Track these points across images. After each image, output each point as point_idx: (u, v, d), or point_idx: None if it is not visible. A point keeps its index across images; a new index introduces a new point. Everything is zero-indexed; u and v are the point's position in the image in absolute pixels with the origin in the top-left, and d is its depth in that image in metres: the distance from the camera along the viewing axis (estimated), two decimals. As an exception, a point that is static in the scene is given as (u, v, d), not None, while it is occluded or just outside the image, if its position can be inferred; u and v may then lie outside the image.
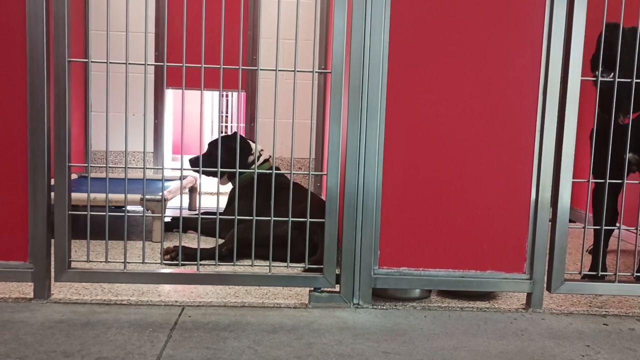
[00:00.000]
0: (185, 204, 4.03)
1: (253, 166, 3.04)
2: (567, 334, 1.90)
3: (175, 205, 3.71)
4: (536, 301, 2.09)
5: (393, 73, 2.00)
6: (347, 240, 2.05)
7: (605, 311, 2.14)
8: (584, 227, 2.11)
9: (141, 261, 2.10)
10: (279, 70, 2.02)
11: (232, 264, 2.15)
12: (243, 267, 2.15)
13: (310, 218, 2.08)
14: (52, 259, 2.00)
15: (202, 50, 1.99)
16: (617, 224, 2.41)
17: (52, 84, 1.93)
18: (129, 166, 2.04)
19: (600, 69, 2.07)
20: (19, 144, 1.95)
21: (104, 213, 2.04)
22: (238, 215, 2.13)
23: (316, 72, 2.04)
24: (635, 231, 2.18)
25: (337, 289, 2.08)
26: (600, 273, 2.33)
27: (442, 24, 1.99)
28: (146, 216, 2.37)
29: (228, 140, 3.11)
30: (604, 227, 2.24)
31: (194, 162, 3.18)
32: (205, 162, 3.10)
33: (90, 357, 1.57)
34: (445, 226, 2.06)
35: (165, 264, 2.37)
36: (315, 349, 1.69)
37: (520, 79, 2.02)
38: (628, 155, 2.23)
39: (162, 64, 2.01)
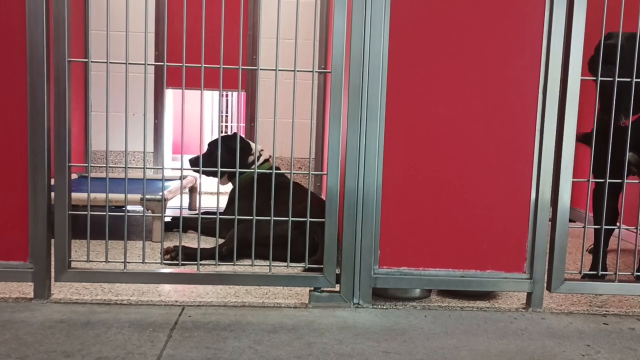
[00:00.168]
0: (185, 203, 4.03)
1: (253, 166, 3.04)
2: (567, 333, 1.90)
3: (175, 205, 3.71)
4: (536, 301, 2.09)
5: (393, 73, 2.00)
6: (347, 240, 2.05)
7: (606, 311, 2.14)
8: (584, 227, 2.11)
9: (141, 261, 2.10)
10: (279, 70, 2.02)
11: (232, 263, 2.15)
12: (243, 266, 2.15)
13: (310, 218, 2.08)
14: (52, 258, 2.00)
15: (202, 50, 1.99)
16: (617, 224, 2.42)
17: (52, 83, 1.93)
18: (129, 166, 2.04)
19: (599, 69, 2.07)
20: (19, 144, 1.95)
21: (104, 213, 2.04)
22: (238, 215, 2.13)
23: (316, 72, 2.04)
24: (635, 231, 2.18)
25: (337, 288, 2.08)
26: (601, 272, 2.33)
27: (442, 24, 1.99)
28: (146, 216, 2.37)
29: (228, 141, 3.11)
30: (604, 227, 2.24)
31: (194, 162, 3.18)
32: (206, 162, 3.10)
33: (90, 357, 1.57)
34: (445, 226, 2.06)
35: (166, 264, 2.37)
36: (316, 349, 1.69)
37: (520, 79, 2.02)
38: (628, 154, 2.23)
39: (162, 63, 2.01)
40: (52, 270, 2.00)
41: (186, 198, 4.04)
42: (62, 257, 1.98)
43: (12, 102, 1.94)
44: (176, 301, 2.05)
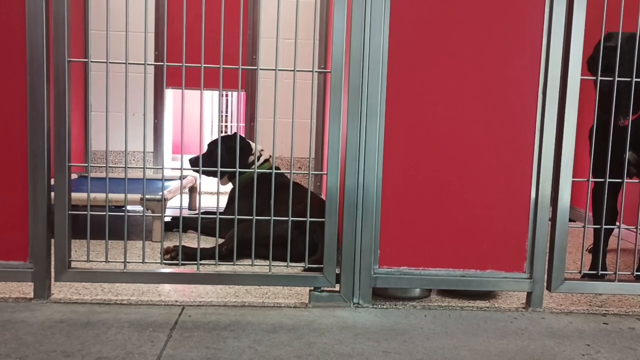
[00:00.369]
0: (185, 203, 4.03)
1: (253, 166, 3.04)
2: (567, 333, 1.90)
3: (175, 205, 3.71)
4: (536, 300, 2.10)
5: (393, 73, 2.00)
6: (347, 239, 2.05)
7: (606, 310, 2.14)
8: (583, 226, 2.11)
9: (141, 261, 2.10)
10: (278, 70, 2.02)
11: (232, 263, 2.15)
12: (243, 266, 2.15)
13: (310, 217, 2.08)
14: (52, 258, 2.00)
15: (201, 50, 1.99)
16: (617, 223, 2.41)
17: (52, 84, 1.93)
18: (129, 166, 2.04)
19: (599, 69, 2.07)
20: (19, 144, 1.95)
21: (104, 213, 2.04)
22: (238, 215, 2.13)
23: (316, 71, 2.04)
24: (635, 230, 2.18)
25: (337, 288, 2.08)
26: (600, 272, 2.33)
27: (442, 23, 1.99)
28: (146, 216, 2.37)
29: (228, 141, 3.11)
30: (604, 226, 2.24)
31: (193, 163, 3.17)
32: (206, 163, 3.10)
33: (90, 357, 1.57)
34: (445, 226, 2.06)
35: (166, 264, 2.37)
36: (316, 349, 1.69)
37: (520, 79, 2.02)
38: (627, 154, 2.23)
39: (161, 63, 2.01)
40: (52, 270, 2.00)
41: (186, 198, 4.04)
42: (62, 257, 1.98)
43: (12, 102, 1.94)
44: (176, 301, 2.05)
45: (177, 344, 1.68)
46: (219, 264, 2.17)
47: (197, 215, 2.27)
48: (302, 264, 2.18)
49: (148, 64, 1.98)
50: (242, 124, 5.11)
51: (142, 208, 2.68)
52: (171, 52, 2.93)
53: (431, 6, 1.99)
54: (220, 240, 2.57)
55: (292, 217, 2.07)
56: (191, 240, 2.99)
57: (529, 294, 2.11)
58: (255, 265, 2.09)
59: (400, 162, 2.04)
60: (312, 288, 2.08)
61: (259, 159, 3.18)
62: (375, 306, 2.08)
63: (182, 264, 2.15)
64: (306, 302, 2.08)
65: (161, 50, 4.63)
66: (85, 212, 2.03)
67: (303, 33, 4.62)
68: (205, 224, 3.03)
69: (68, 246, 1.99)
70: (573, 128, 2.02)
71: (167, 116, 4.91)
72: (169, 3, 4.23)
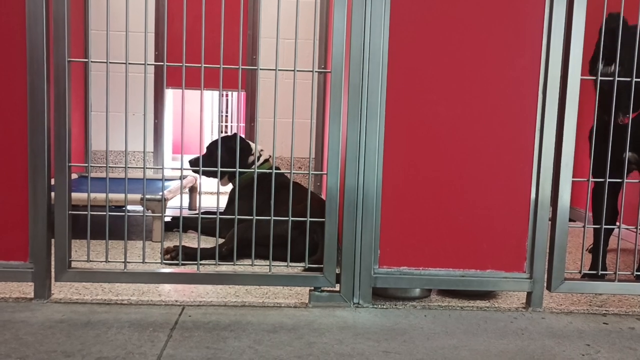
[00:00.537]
0: (186, 203, 4.03)
1: (253, 166, 3.04)
2: (567, 333, 1.90)
3: (176, 205, 3.71)
4: (536, 300, 2.10)
5: (393, 73, 2.01)
6: (347, 239, 2.05)
7: (606, 310, 2.14)
8: (583, 226, 2.11)
9: (141, 261, 2.10)
10: (278, 70, 2.02)
11: (232, 263, 2.15)
12: (243, 266, 2.15)
13: (310, 217, 2.08)
14: (53, 258, 2.00)
15: (202, 50, 1.99)
16: (617, 223, 2.42)
17: (52, 84, 1.93)
18: (129, 166, 2.04)
19: (599, 68, 2.07)
20: (19, 144, 1.95)
21: (104, 213, 2.04)
22: (238, 215, 2.13)
23: (316, 71, 2.04)
24: (635, 230, 2.18)
25: (337, 288, 2.08)
26: (601, 272, 2.33)
27: (442, 23, 1.99)
28: (146, 216, 2.37)
29: (228, 141, 3.11)
30: (604, 226, 2.24)
31: (193, 164, 3.17)
32: (206, 164, 3.10)
33: (90, 357, 1.57)
34: (445, 226, 2.06)
35: (166, 264, 2.37)
36: (316, 349, 1.69)
37: (520, 79, 2.02)
38: (628, 154, 2.23)
39: (162, 63, 2.01)
40: (53, 270, 2.00)
41: (186, 198, 4.04)
42: (62, 257, 1.98)
43: (12, 102, 1.94)
44: (176, 301, 2.05)
45: (178, 344, 1.68)
46: (219, 264, 2.17)
47: (197, 216, 2.27)
48: (302, 264, 2.18)
49: (148, 64, 1.98)
50: (242, 124, 5.11)
51: (142, 208, 2.68)
52: (171, 52, 2.93)
53: (431, 6, 1.99)
54: (221, 240, 2.57)
55: (292, 217, 2.07)
56: (191, 240, 2.99)
57: (529, 294, 2.11)
58: (255, 265, 2.09)
59: (400, 162, 2.04)
60: (312, 288, 2.08)
61: (258, 159, 3.18)
62: (375, 306, 2.08)
63: (182, 264, 2.15)
64: (306, 302, 2.08)
65: (161, 51, 4.63)
66: (86, 212, 2.03)
67: (303, 33, 4.62)
68: (205, 224, 3.03)
69: (68, 246, 1.99)
70: (573, 128, 2.02)
71: (167, 116, 4.91)
72: (169, 3, 4.23)
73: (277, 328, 1.84)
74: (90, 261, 2.09)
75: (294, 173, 2.05)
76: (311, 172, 2.02)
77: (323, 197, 2.65)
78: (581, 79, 2.00)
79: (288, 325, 1.86)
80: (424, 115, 2.03)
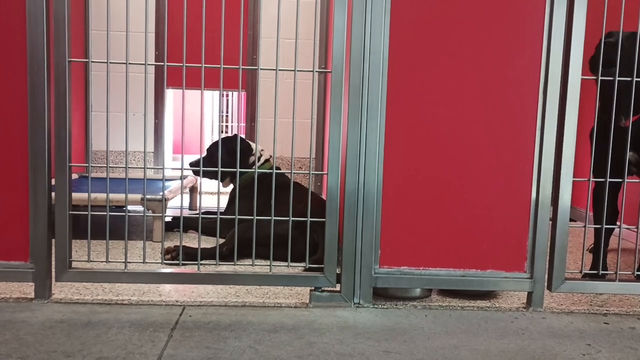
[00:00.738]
0: (186, 203, 4.03)
1: (254, 166, 3.04)
2: (567, 332, 1.90)
3: (176, 205, 3.71)
4: (537, 300, 2.09)
5: (393, 73, 2.01)
6: (347, 239, 2.05)
7: (606, 310, 2.14)
8: (584, 226, 2.11)
9: (142, 261, 2.10)
10: (279, 70, 2.02)
11: (232, 263, 2.15)
12: (244, 266, 2.15)
13: (310, 217, 2.08)
14: (53, 258, 2.00)
15: (202, 50, 1.99)
16: (618, 223, 2.41)
17: (52, 84, 1.93)
18: (129, 166, 2.04)
19: (600, 69, 2.07)
20: (19, 144, 1.95)
21: (105, 213, 2.04)
22: (239, 215, 2.13)
23: (316, 71, 2.04)
24: (635, 230, 2.18)
25: (337, 288, 2.08)
26: (601, 272, 2.33)
27: (442, 24, 1.99)
28: (147, 216, 2.37)
29: (229, 143, 3.11)
30: (605, 226, 2.24)
31: (194, 166, 3.17)
32: (207, 166, 3.10)
33: (91, 357, 1.57)
34: (445, 225, 2.06)
35: (166, 264, 2.37)
36: (316, 349, 1.69)
37: (520, 79, 2.02)
38: (628, 154, 2.23)
39: (162, 63, 2.01)
40: (53, 270, 2.00)
41: (187, 198, 4.04)
42: (62, 257, 1.98)
43: (12, 103, 1.94)
44: (177, 301, 2.05)
45: (178, 344, 1.68)
46: (219, 264, 2.17)
47: (197, 216, 2.27)
48: (302, 264, 2.18)
49: (148, 64, 1.98)
50: (242, 124, 5.11)
51: (142, 208, 2.68)
52: (171, 52, 2.93)
53: (431, 6, 1.99)
54: (221, 240, 2.57)
55: (292, 217, 2.07)
56: (192, 240, 2.99)
57: (530, 294, 2.11)
58: (255, 265, 2.09)
59: (401, 161, 2.04)
60: (313, 288, 2.08)
61: (259, 159, 3.18)
62: (375, 306, 2.08)
63: (183, 264, 2.15)
64: (307, 302, 2.08)
65: (161, 51, 4.63)
66: (86, 212, 2.03)
67: (303, 33, 4.62)
68: (205, 224, 3.04)
69: (69, 246, 1.99)
70: (574, 128, 2.02)
71: (168, 116, 4.91)
72: (169, 3, 4.23)
73: (278, 328, 1.84)
74: (91, 261, 2.09)
75: (294, 173, 2.05)
76: (312, 172, 2.02)
77: (323, 197, 2.65)
78: (582, 79, 2.00)
79: (288, 325, 1.86)
80: (424, 115, 2.03)
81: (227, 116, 9.83)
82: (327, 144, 2.14)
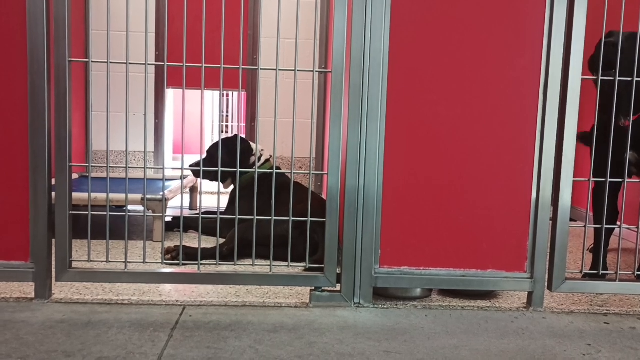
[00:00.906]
0: (186, 203, 4.03)
1: (254, 167, 3.04)
2: (568, 332, 1.90)
3: (176, 205, 3.71)
4: (537, 300, 2.09)
5: (393, 73, 2.01)
6: (347, 239, 2.05)
7: (607, 310, 2.14)
8: (584, 226, 2.11)
9: (142, 261, 2.10)
10: (279, 70, 2.02)
11: (233, 263, 2.15)
12: (244, 266, 2.15)
13: (311, 217, 2.08)
14: (53, 258, 2.00)
15: (202, 50, 1.99)
16: (618, 223, 2.41)
17: (52, 84, 1.93)
18: (129, 166, 2.04)
19: (600, 69, 2.07)
20: (19, 144, 1.95)
21: (105, 213, 2.04)
22: (239, 215, 2.13)
23: (317, 71, 2.04)
24: (635, 230, 2.18)
25: (338, 288, 2.08)
26: (601, 272, 2.33)
27: (442, 24, 1.99)
28: (147, 216, 2.37)
29: (229, 143, 3.11)
30: (605, 226, 2.24)
31: (194, 166, 3.16)
32: (207, 167, 3.10)
33: (91, 357, 1.57)
34: (445, 225, 2.06)
35: (166, 264, 2.37)
36: (317, 349, 1.69)
37: (520, 79, 2.02)
38: (628, 154, 2.22)
39: (162, 63, 2.01)
40: (53, 270, 2.00)
41: (187, 198, 4.04)
42: (63, 257, 1.98)
43: (12, 103, 1.94)
44: (177, 301, 2.05)
45: (178, 343, 1.68)
46: (219, 264, 2.17)
47: (198, 216, 2.27)
48: (303, 264, 2.18)
49: (149, 64, 1.98)
50: (242, 124, 5.11)
51: (142, 208, 2.68)
52: (172, 52, 2.93)
53: (431, 6, 1.99)
54: (221, 240, 2.57)
55: (292, 217, 2.07)
56: (192, 240, 2.99)
57: (530, 294, 2.10)
58: (256, 265, 2.09)
59: (401, 161, 2.04)
60: (313, 288, 2.08)
61: (259, 159, 3.18)
62: (376, 306, 2.08)
63: (183, 264, 2.15)
64: (307, 302, 2.08)
65: (162, 51, 4.63)
66: (86, 212, 2.03)
67: (304, 33, 4.62)
68: (206, 224, 3.04)
69: (69, 246, 1.99)
70: (574, 128, 2.02)
71: (168, 116, 4.91)
72: (169, 3, 4.23)
73: (278, 328, 1.84)
74: (91, 261, 2.09)
75: (294, 173, 2.05)
76: (312, 172, 2.02)
77: (324, 197, 2.65)
78: (582, 79, 2.00)
79: (289, 325, 1.86)
80: (424, 115, 2.03)
81: (227, 116, 9.83)
82: (327, 143, 2.14)
